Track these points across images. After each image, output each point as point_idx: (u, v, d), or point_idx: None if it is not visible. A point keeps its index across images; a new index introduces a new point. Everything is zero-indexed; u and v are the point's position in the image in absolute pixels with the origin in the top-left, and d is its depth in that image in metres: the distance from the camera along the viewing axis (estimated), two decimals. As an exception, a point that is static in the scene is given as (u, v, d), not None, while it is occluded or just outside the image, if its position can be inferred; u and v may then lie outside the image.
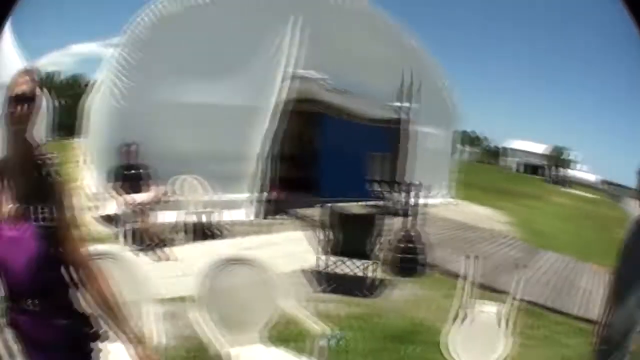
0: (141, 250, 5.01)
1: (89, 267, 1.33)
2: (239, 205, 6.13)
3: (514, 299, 3.00)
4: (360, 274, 4.47)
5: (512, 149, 36.34)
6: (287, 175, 6.93)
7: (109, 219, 5.80)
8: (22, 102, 1.18)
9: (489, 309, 2.98)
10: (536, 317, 4.29)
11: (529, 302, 4.07)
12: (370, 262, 4.48)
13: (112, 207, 5.72)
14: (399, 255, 5.08)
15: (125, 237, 5.11)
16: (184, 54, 5.79)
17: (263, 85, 6.09)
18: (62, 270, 1.28)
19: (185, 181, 5.70)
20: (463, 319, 2.92)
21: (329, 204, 4.81)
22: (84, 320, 1.32)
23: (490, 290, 3.76)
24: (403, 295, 4.54)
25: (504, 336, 2.79)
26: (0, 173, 1.25)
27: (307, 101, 6.64)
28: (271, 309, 2.41)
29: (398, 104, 7.02)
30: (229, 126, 5.93)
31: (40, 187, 1.24)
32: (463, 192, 10.56)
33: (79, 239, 1.33)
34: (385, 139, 7.05)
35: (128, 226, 5.18)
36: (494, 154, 38.95)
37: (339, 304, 4.10)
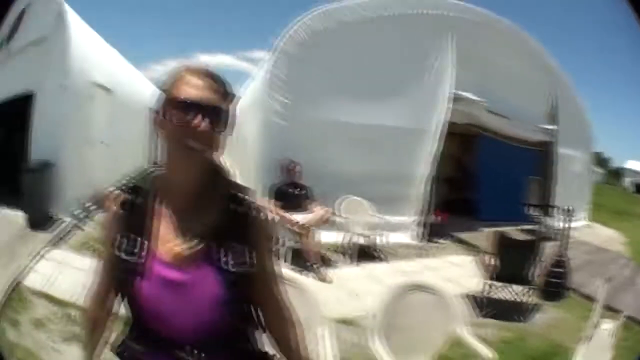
0: (301, 270, 4.93)
1: (286, 312, 1.13)
2: (401, 228, 5.98)
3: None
4: (518, 299, 4.49)
5: (627, 169, 34.75)
6: (447, 197, 6.77)
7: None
8: (206, 113, 0.92)
9: (607, 327, 3.17)
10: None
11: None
12: (527, 287, 4.49)
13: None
14: (552, 280, 5.03)
15: (284, 257, 5.09)
16: (341, 72, 5.80)
17: (428, 107, 5.98)
18: (248, 314, 1.05)
19: (350, 202, 5.61)
20: (590, 339, 3.04)
21: (492, 229, 4.82)
22: None
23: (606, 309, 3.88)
24: (544, 319, 4.53)
25: (610, 350, 2.96)
26: (154, 201, 1.01)
27: (465, 123, 6.47)
28: (446, 333, 2.36)
29: (548, 126, 6.74)
30: (393, 147, 5.87)
31: (234, 224, 1.00)
32: (594, 214, 10.15)
33: (277, 281, 1.11)
34: (536, 162, 6.78)
35: (288, 245, 5.15)
36: (614, 174, 37.72)
37: (493, 329, 4.11)
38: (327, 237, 5.50)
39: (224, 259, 0.97)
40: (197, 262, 0.96)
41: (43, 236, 5.58)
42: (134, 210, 1.00)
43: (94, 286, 1.11)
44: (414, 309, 2.32)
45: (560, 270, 5.07)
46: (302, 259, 5.15)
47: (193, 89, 0.93)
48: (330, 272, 4.95)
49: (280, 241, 5.14)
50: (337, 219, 5.42)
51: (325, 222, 5.24)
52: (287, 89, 5.73)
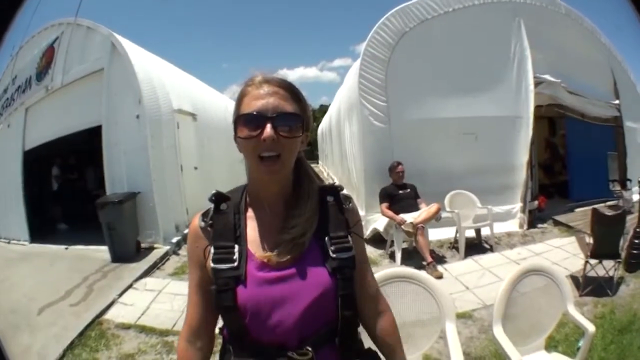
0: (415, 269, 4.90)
1: (382, 302, 1.13)
2: (507, 217, 5.97)
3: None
4: (611, 274, 4.46)
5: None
6: (543, 182, 6.79)
7: (376, 239, 5.78)
8: (268, 121, 0.91)
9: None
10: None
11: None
12: (617, 261, 4.48)
13: (379, 226, 5.72)
14: (634, 252, 5.00)
15: (396, 257, 5.08)
16: (431, 69, 5.81)
17: (518, 92, 5.99)
18: (352, 305, 1.01)
19: (458, 196, 5.59)
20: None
21: (585, 208, 4.70)
22: (374, 358, 1.08)
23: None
24: (628, 290, 4.54)
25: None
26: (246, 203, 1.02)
27: (549, 105, 6.51)
28: (558, 314, 2.39)
29: (616, 101, 6.85)
30: (494, 137, 5.86)
31: (327, 215, 1.01)
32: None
33: (370, 270, 1.12)
34: (610, 138, 6.86)
35: (401, 246, 5.13)
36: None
37: (589, 306, 4.14)
38: (437, 233, 5.51)
39: (323, 248, 0.97)
40: (296, 258, 0.95)
41: (131, 267, 5.45)
42: (223, 221, 0.99)
43: (190, 321, 1.05)
44: (529, 293, 2.33)
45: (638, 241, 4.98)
46: (413, 258, 5.14)
47: (253, 100, 0.93)
48: (440, 268, 4.91)
49: (395, 241, 5.15)
50: (446, 215, 5.37)
51: (437, 219, 5.23)
52: (381, 91, 5.75)
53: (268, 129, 0.90)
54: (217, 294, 0.94)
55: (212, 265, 0.95)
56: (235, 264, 0.94)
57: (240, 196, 1.02)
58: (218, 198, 1.00)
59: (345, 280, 0.96)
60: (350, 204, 1.06)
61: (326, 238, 0.98)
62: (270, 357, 0.93)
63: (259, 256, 0.95)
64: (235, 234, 0.97)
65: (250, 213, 1.01)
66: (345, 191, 1.07)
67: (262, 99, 0.92)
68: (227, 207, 1.00)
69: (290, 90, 0.96)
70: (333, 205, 1.02)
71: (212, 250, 0.96)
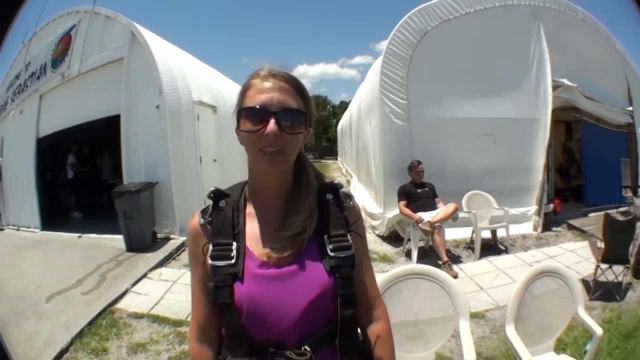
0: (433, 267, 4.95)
1: (380, 307, 1.09)
2: (522, 219, 6.01)
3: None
4: (620, 279, 4.50)
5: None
6: (557, 185, 6.84)
7: (393, 238, 5.82)
8: (271, 116, 0.90)
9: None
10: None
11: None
12: (625, 267, 4.51)
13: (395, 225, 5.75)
14: None
15: (412, 255, 5.11)
16: (452, 68, 5.83)
17: (537, 95, 6.02)
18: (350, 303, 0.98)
19: (475, 196, 5.63)
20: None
21: (599, 213, 4.89)
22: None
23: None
24: (635, 297, 4.57)
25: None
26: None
27: (566, 109, 6.57)
28: (569, 316, 2.40)
29: (630, 108, 6.92)
30: (512, 139, 5.91)
31: (326, 213, 0.99)
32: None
33: (371, 270, 1.09)
34: (624, 144, 6.93)
35: (418, 244, 5.17)
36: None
37: (597, 310, 4.17)
38: (453, 233, 5.53)
39: (322, 247, 0.96)
40: (295, 255, 0.94)
41: (147, 257, 5.46)
42: (222, 218, 0.98)
43: (194, 319, 1.06)
44: (542, 296, 2.35)
45: (649, 248, 5.08)
46: (429, 257, 5.18)
47: (258, 94, 0.92)
48: (455, 267, 4.95)
49: (412, 240, 5.19)
50: (463, 215, 5.41)
51: (453, 219, 5.27)
52: (402, 89, 5.78)
53: (272, 124, 0.89)
54: (214, 290, 0.93)
55: (210, 262, 0.94)
56: (233, 260, 0.93)
57: (240, 193, 1.01)
58: (217, 195, 0.99)
59: (344, 279, 0.94)
60: (351, 202, 1.04)
61: (325, 236, 0.96)
62: (268, 357, 0.92)
63: (257, 253, 0.94)
64: (234, 231, 0.96)
65: (249, 210, 1.00)
66: (345, 189, 1.06)
67: (267, 93, 0.91)
68: (226, 204, 0.99)
69: (295, 86, 0.95)
70: (332, 203, 1.00)
71: (211, 247, 0.95)
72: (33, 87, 7.83)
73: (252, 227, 0.98)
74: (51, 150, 8.20)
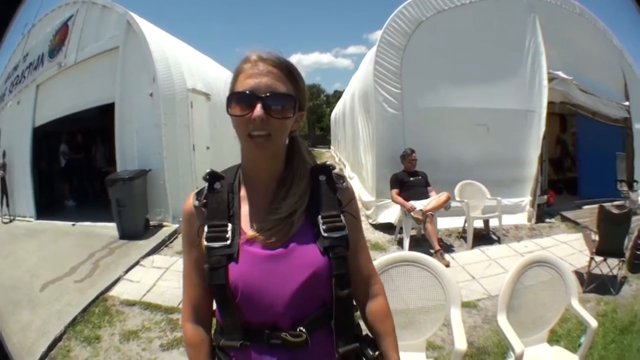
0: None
1: (376, 284, 1.11)
2: (516, 210, 6.00)
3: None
4: (612, 273, 4.50)
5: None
6: (551, 177, 6.83)
7: (385, 226, 5.81)
8: (259, 101, 0.90)
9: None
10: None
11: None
12: (621, 260, 4.51)
13: (389, 213, 5.73)
14: (638, 253, 4.95)
15: (404, 243, 5.11)
16: (446, 58, 5.82)
17: (533, 87, 6.02)
18: (345, 284, 0.98)
19: (468, 186, 5.61)
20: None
21: (593, 206, 4.87)
22: (370, 343, 1.05)
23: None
24: (631, 291, 4.57)
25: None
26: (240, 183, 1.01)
27: (561, 102, 6.57)
28: (562, 307, 2.40)
29: (626, 103, 6.91)
30: (507, 130, 5.90)
31: (319, 194, 0.99)
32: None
33: (367, 250, 1.11)
34: (619, 139, 6.92)
35: (410, 232, 5.16)
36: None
37: (592, 303, 4.16)
38: (449, 222, 5.55)
39: (315, 228, 0.96)
40: (288, 237, 0.94)
41: (139, 244, 5.46)
42: (217, 200, 0.98)
43: (188, 302, 1.05)
44: (534, 286, 2.35)
45: (642, 242, 5.07)
46: (421, 246, 5.16)
47: (247, 79, 0.93)
48: (447, 256, 4.95)
49: (404, 228, 5.17)
50: (456, 204, 5.40)
51: (446, 208, 5.25)
52: (396, 78, 5.78)
53: (258, 108, 0.89)
54: (209, 271, 0.93)
55: (205, 243, 0.94)
56: (228, 242, 0.93)
57: (234, 175, 1.02)
58: (212, 177, 1.00)
59: (338, 259, 0.94)
60: (344, 183, 1.04)
61: (318, 217, 0.97)
62: (263, 338, 0.92)
63: (251, 235, 0.94)
64: (229, 213, 0.97)
65: (243, 192, 1.00)
66: (337, 170, 1.06)
67: (256, 78, 0.92)
68: (221, 186, 0.99)
69: (286, 70, 0.95)
70: (325, 185, 1.01)
71: (206, 229, 0.95)
72: (30, 77, 7.85)
73: (246, 209, 0.98)
74: (46, 140, 8.21)
